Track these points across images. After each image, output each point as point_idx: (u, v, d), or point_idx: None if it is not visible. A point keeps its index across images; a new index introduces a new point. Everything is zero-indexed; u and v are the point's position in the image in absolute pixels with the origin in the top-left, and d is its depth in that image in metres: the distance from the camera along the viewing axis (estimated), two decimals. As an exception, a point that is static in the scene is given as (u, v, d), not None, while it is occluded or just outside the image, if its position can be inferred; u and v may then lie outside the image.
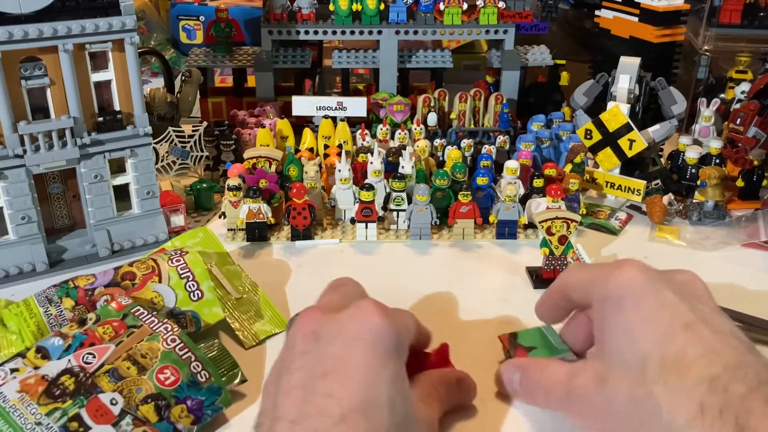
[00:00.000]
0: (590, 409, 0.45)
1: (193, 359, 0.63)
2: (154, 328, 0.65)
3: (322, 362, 0.45)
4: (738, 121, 1.10)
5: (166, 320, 0.66)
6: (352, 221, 0.96)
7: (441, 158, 1.11)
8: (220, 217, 0.97)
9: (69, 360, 0.62)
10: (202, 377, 0.63)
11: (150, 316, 0.66)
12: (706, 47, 1.30)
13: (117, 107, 0.87)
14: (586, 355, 0.59)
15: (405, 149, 1.01)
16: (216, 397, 0.63)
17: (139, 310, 0.67)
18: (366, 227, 0.96)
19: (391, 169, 1.01)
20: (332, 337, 0.47)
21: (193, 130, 1.11)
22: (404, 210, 0.97)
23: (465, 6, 1.20)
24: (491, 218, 0.97)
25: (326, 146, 1.10)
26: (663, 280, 0.46)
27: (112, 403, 0.59)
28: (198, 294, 0.74)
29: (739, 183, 1.07)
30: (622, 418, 0.42)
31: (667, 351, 0.41)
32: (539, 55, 1.30)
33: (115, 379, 0.61)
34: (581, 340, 0.58)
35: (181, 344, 0.64)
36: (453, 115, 1.21)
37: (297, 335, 0.49)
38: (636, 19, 1.21)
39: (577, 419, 0.47)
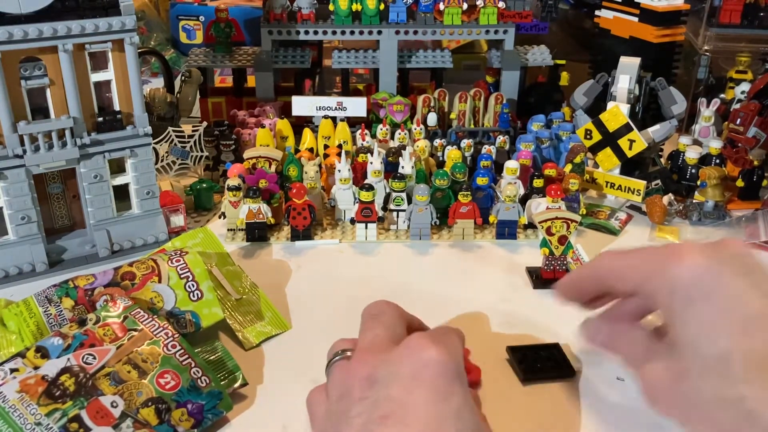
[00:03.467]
0: (668, 401, 0.44)
1: (193, 365, 0.63)
2: (154, 333, 0.65)
3: (381, 406, 0.43)
4: (738, 121, 1.10)
5: (166, 324, 0.66)
6: (352, 221, 0.96)
7: (441, 158, 1.11)
8: (220, 217, 0.97)
9: (69, 359, 0.62)
10: (202, 382, 0.63)
11: (150, 319, 0.66)
12: (706, 47, 1.30)
13: (117, 107, 0.87)
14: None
15: (405, 149, 1.01)
16: (217, 401, 0.63)
17: (139, 312, 0.67)
18: (366, 227, 0.96)
19: (391, 169, 1.01)
20: (389, 380, 0.44)
21: (193, 130, 1.11)
22: (404, 210, 0.97)
23: (465, 6, 1.20)
24: (491, 218, 0.97)
25: (326, 146, 1.10)
26: (726, 263, 0.43)
27: (112, 406, 0.59)
28: (198, 294, 0.74)
29: (739, 183, 1.07)
30: (707, 415, 0.41)
31: (750, 347, 0.40)
32: (539, 55, 1.30)
33: (115, 383, 0.61)
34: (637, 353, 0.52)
35: (182, 350, 0.64)
36: (453, 115, 1.21)
37: (353, 383, 0.46)
38: (636, 19, 1.21)
39: (653, 404, 0.47)
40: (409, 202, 0.96)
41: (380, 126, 1.13)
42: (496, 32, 1.22)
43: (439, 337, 0.47)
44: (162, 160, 1.10)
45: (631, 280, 0.49)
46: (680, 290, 0.43)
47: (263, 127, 1.08)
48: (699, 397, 0.41)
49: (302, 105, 1.15)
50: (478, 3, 1.20)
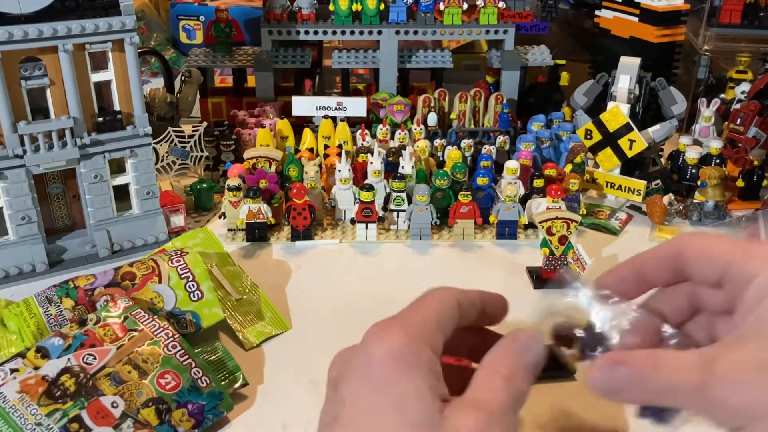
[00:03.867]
0: (747, 398, 0.35)
1: (193, 365, 0.63)
2: (154, 333, 0.65)
3: (331, 411, 0.39)
4: (738, 121, 1.10)
5: (166, 325, 0.66)
6: (352, 221, 0.96)
7: (441, 158, 1.11)
8: (220, 217, 0.97)
9: (69, 359, 0.62)
10: (202, 383, 0.63)
11: (150, 319, 0.66)
12: (706, 47, 1.30)
13: (117, 107, 0.87)
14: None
15: (405, 149, 1.01)
16: (217, 401, 0.63)
17: (139, 312, 0.67)
18: (366, 227, 0.96)
19: (391, 169, 1.01)
20: (344, 380, 0.40)
21: (193, 130, 1.11)
22: (404, 210, 0.97)
23: (465, 6, 1.20)
24: (491, 218, 0.97)
25: (326, 146, 1.10)
26: None
27: (113, 406, 0.59)
28: (198, 294, 0.74)
29: (740, 183, 1.07)
30: None
31: None
32: (539, 55, 1.30)
33: (116, 383, 0.61)
34: (678, 311, 0.44)
35: (182, 350, 0.64)
36: (453, 115, 1.21)
37: (327, 388, 0.42)
38: (636, 19, 1.20)
39: (722, 414, 0.36)
40: (410, 202, 0.96)
41: (380, 126, 1.13)
42: (496, 32, 1.22)
43: (398, 318, 0.41)
44: (162, 160, 1.10)
45: (720, 260, 0.40)
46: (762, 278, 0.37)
47: (263, 127, 1.08)
48: None
49: (302, 105, 1.15)
50: (478, 3, 1.20)
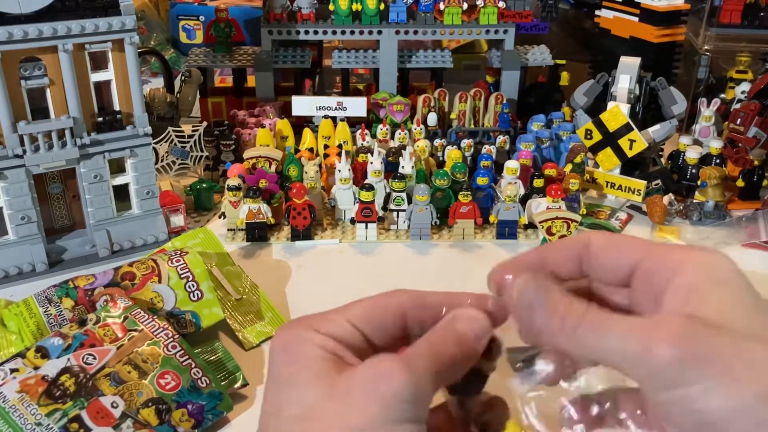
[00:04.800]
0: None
1: (193, 365, 0.63)
2: (154, 333, 0.65)
3: None
4: (738, 121, 1.10)
5: (166, 325, 0.66)
6: (352, 221, 0.96)
7: (441, 158, 1.11)
8: (220, 217, 0.97)
9: (69, 359, 0.62)
10: (202, 383, 0.63)
11: (150, 319, 0.66)
12: (706, 47, 1.30)
13: (117, 107, 0.87)
14: None
15: (405, 149, 1.01)
16: (217, 402, 0.63)
17: (139, 312, 0.67)
18: (366, 227, 0.96)
19: (391, 169, 1.01)
20: None
21: (193, 130, 1.11)
22: (404, 210, 0.97)
23: (465, 6, 1.20)
24: (491, 218, 0.97)
25: (326, 146, 1.10)
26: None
27: (112, 406, 0.59)
28: (198, 294, 0.74)
29: (740, 183, 1.07)
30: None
31: None
32: (539, 55, 1.30)
33: (115, 383, 0.61)
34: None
35: (182, 351, 0.64)
36: (453, 115, 1.21)
37: None
38: (636, 19, 1.20)
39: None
40: (409, 202, 0.96)
41: (380, 126, 1.13)
42: (496, 32, 1.22)
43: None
44: (162, 160, 1.10)
45: (629, 258, 0.38)
46: (701, 273, 0.35)
47: (263, 127, 1.08)
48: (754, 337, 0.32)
49: (302, 105, 1.15)
50: (478, 3, 1.20)
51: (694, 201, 1.03)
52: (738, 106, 1.16)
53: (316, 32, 1.20)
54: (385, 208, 0.97)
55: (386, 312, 0.39)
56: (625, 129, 1.03)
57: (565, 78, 1.30)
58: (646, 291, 0.36)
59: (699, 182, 1.04)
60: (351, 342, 0.37)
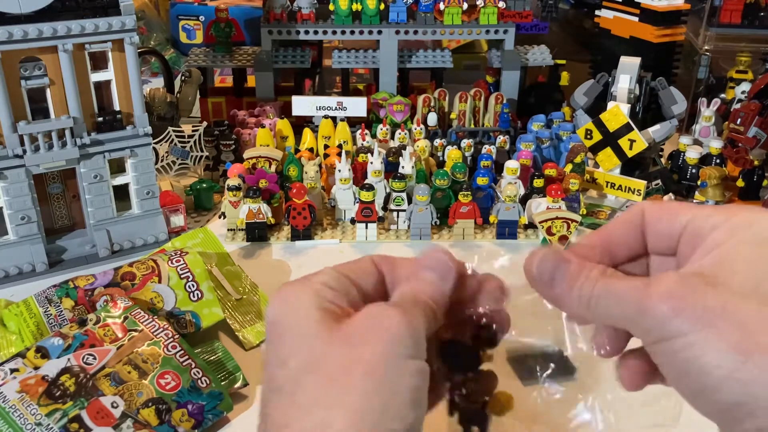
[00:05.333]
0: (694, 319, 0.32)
1: (193, 366, 0.63)
2: (154, 334, 0.65)
3: None
4: (738, 121, 1.10)
5: (166, 325, 0.66)
6: (352, 221, 0.96)
7: (441, 158, 1.11)
8: (220, 217, 0.97)
9: (69, 359, 0.62)
10: (202, 383, 0.63)
11: (150, 319, 0.66)
12: (706, 47, 1.30)
13: (117, 107, 0.87)
14: None
15: (405, 149, 1.01)
16: (217, 401, 0.63)
17: (139, 313, 0.67)
18: (366, 227, 0.96)
19: (391, 169, 1.01)
20: None
21: (193, 130, 1.11)
22: (404, 210, 0.97)
23: (465, 6, 1.20)
24: (491, 218, 0.97)
25: (326, 146, 1.10)
26: None
27: (113, 406, 0.59)
28: (198, 294, 0.74)
29: (740, 183, 1.07)
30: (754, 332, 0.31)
31: None
32: (539, 55, 1.30)
33: (116, 383, 0.61)
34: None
35: (182, 351, 0.64)
36: (453, 115, 1.21)
37: None
38: (636, 19, 1.20)
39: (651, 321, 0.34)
40: (410, 202, 0.96)
41: (380, 126, 1.13)
42: (496, 32, 1.22)
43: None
44: (162, 160, 1.09)
45: (681, 216, 0.37)
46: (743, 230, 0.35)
47: (263, 127, 1.08)
48: (742, 312, 0.32)
49: (302, 105, 1.15)
50: (478, 3, 1.20)
51: (695, 201, 1.03)
52: (738, 106, 1.16)
53: (316, 32, 1.20)
54: (385, 208, 0.97)
55: (367, 266, 0.42)
56: (625, 129, 1.03)
57: (565, 78, 1.30)
58: (688, 253, 0.36)
59: (699, 182, 1.04)
60: (343, 289, 0.39)
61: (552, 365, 0.70)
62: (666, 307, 0.32)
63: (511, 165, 0.98)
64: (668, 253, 0.39)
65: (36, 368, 0.61)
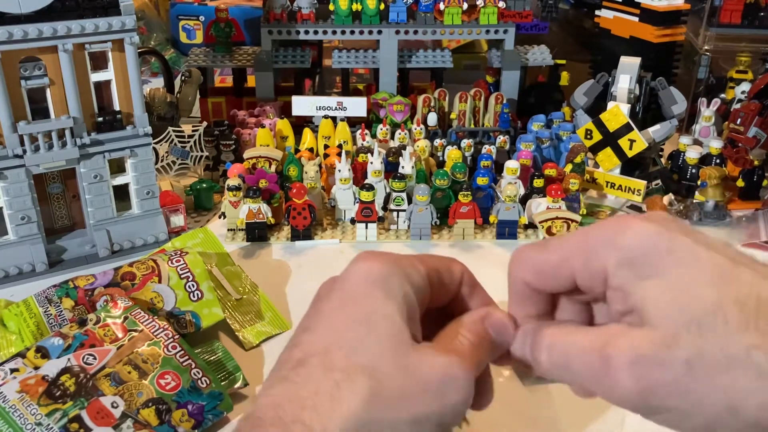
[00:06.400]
0: (657, 377, 0.34)
1: (193, 366, 0.63)
2: (155, 334, 0.65)
3: (305, 321, 0.40)
4: (738, 121, 1.10)
5: (166, 325, 0.66)
6: (352, 221, 0.96)
7: (441, 158, 1.11)
8: (220, 217, 0.97)
9: (69, 359, 0.62)
10: (202, 383, 0.63)
11: (150, 319, 0.66)
12: (706, 47, 1.30)
13: (117, 107, 0.87)
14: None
15: (405, 149, 1.01)
16: (217, 402, 0.63)
17: (139, 313, 0.67)
18: (366, 227, 0.96)
19: (391, 169, 1.01)
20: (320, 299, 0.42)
21: (193, 130, 1.11)
22: (404, 210, 0.97)
23: (465, 6, 1.20)
24: (491, 218, 0.97)
25: (326, 146, 1.10)
26: (670, 225, 0.36)
27: (113, 406, 0.59)
28: (198, 294, 0.74)
29: (740, 183, 1.07)
30: (711, 383, 0.33)
31: (738, 293, 0.34)
32: (539, 55, 1.30)
33: (116, 383, 0.61)
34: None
35: (182, 351, 0.64)
36: (453, 115, 1.21)
37: None
38: (636, 19, 1.20)
39: (635, 384, 0.35)
40: (410, 202, 0.96)
41: (380, 126, 1.13)
42: (496, 32, 1.22)
43: (388, 252, 0.41)
44: (162, 160, 1.10)
45: (566, 271, 0.38)
46: (638, 257, 0.36)
47: (263, 127, 1.08)
48: (701, 362, 0.33)
49: (302, 105, 1.15)
50: (478, 3, 1.20)
51: (694, 201, 1.03)
52: (738, 106, 1.16)
53: (316, 32, 1.20)
54: (385, 208, 0.97)
55: (453, 276, 0.42)
56: (625, 129, 1.03)
57: (565, 78, 1.30)
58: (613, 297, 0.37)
59: (699, 182, 1.04)
60: (422, 295, 0.40)
61: None
62: (632, 385, 0.34)
63: (511, 165, 0.98)
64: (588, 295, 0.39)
65: (36, 368, 0.61)
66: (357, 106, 1.14)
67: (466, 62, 1.52)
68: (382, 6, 1.19)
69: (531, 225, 0.97)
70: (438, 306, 0.43)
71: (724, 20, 1.29)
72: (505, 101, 1.19)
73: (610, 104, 1.06)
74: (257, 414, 0.36)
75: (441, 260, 0.42)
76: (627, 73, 1.07)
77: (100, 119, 0.85)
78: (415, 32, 1.20)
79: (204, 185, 1.05)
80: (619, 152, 1.05)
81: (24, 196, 0.83)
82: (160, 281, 0.73)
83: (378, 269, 0.39)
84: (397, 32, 1.20)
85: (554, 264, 0.38)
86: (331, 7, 1.19)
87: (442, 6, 1.20)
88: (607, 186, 1.08)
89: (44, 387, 0.59)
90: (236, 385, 0.67)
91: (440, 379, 0.37)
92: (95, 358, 0.62)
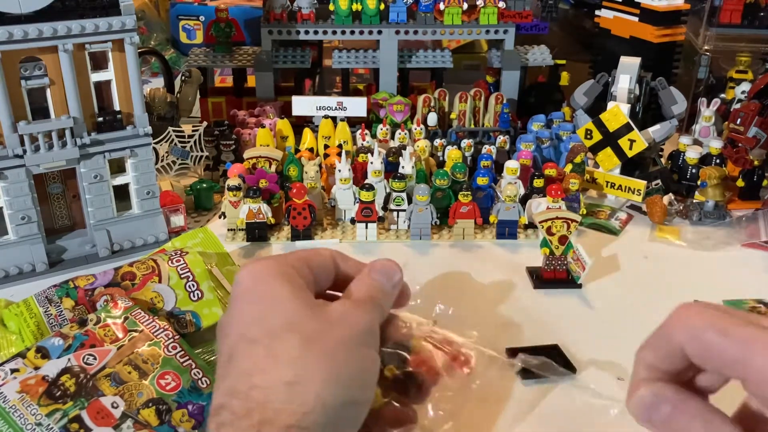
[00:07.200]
0: None
1: (193, 366, 0.63)
2: (155, 334, 0.65)
3: None
4: (738, 121, 1.10)
5: (166, 326, 0.66)
6: (352, 221, 0.96)
7: (441, 158, 1.11)
8: (220, 217, 0.97)
9: (69, 359, 0.62)
10: (203, 383, 0.63)
11: (150, 320, 0.66)
12: (706, 47, 1.30)
13: (117, 107, 0.87)
14: None
15: (405, 149, 1.01)
16: (217, 399, 0.63)
17: (139, 313, 0.67)
18: (366, 227, 0.96)
19: (391, 169, 1.01)
20: None
21: (193, 130, 1.11)
22: (404, 210, 0.97)
23: (465, 6, 1.20)
24: (491, 218, 0.97)
25: (326, 146, 1.10)
26: None
27: (113, 407, 0.59)
28: (198, 294, 0.74)
29: (740, 183, 1.07)
30: None
31: None
32: (539, 55, 1.30)
33: (116, 383, 0.61)
34: None
35: (182, 351, 0.64)
36: (453, 115, 1.21)
37: None
38: (636, 19, 1.20)
39: None
40: (410, 202, 0.96)
41: (380, 126, 1.13)
42: (496, 32, 1.22)
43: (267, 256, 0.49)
44: (162, 160, 1.10)
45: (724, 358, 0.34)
46: None
47: (263, 127, 1.08)
48: None
49: (302, 105, 1.15)
50: (478, 3, 1.20)
51: (694, 201, 1.03)
52: (738, 106, 1.16)
53: (316, 32, 1.20)
54: (385, 208, 0.97)
55: (326, 261, 0.50)
56: (625, 129, 1.03)
57: (565, 78, 1.30)
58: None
59: (699, 182, 1.04)
60: (303, 274, 0.46)
61: (552, 365, 0.70)
62: None
63: (511, 165, 0.98)
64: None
65: (36, 368, 0.61)
66: (357, 106, 1.14)
67: (466, 62, 1.52)
68: (382, 6, 1.19)
69: (531, 225, 0.97)
70: (329, 290, 0.50)
71: (724, 20, 1.29)
72: (505, 101, 1.19)
73: (610, 104, 1.06)
74: (216, 409, 0.41)
75: (307, 251, 0.50)
76: (627, 73, 1.07)
77: (100, 119, 0.85)
78: (415, 32, 1.20)
79: (204, 185, 1.05)
80: (619, 152, 1.05)
81: (24, 196, 0.83)
82: (160, 281, 0.73)
83: (259, 268, 0.46)
84: (397, 32, 1.20)
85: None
86: (331, 7, 1.19)
87: (442, 6, 1.20)
88: (607, 186, 1.08)
89: (44, 387, 0.59)
90: (236, 385, 0.67)
91: (343, 311, 0.44)
92: (95, 359, 0.62)
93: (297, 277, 0.45)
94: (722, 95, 1.26)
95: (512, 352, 0.71)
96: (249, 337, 0.42)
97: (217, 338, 0.45)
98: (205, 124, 1.13)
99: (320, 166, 1.02)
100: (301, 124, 1.15)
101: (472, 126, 1.21)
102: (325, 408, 0.39)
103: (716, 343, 0.32)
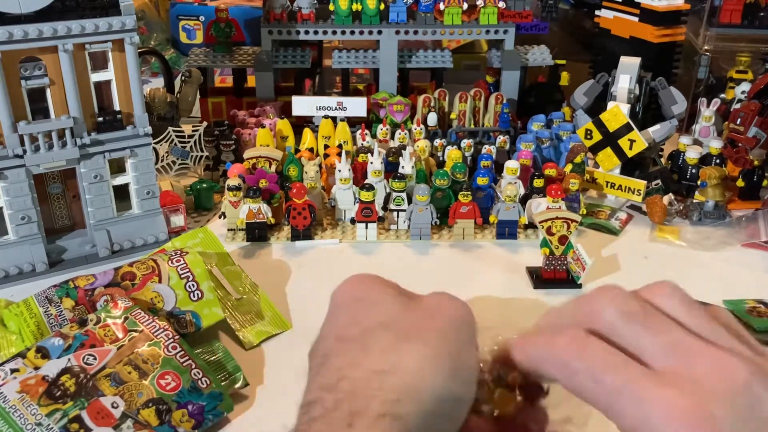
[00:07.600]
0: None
1: (193, 366, 0.63)
2: (155, 334, 0.65)
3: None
4: (738, 121, 1.10)
5: (166, 326, 0.66)
6: (352, 221, 0.96)
7: (441, 158, 1.11)
8: (220, 217, 0.97)
9: (69, 359, 0.62)
10: (203, 383, 0.63)
11: (150, 320, 0.66)
12: (706, 47, 1.30)
13: (117, 107, 0.87)
14: None
15: (405, 149, 1.01)
16: (217, 402, 0.63)
17: (139, 313, 0.67)
18: (366, 227, 0.96)
19: (391, 169, 1.01)
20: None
21: (193, 130, 1.11)
22: (404, 210, 0.97)
23: (465, 6, 1.20)
24: (491, 218, 0.97)
25: (326, 146, 1.10)
26: None
27: (113, 407, 0.59)
28: (198, 294, 0.74)
29: (740, 183, 1.07)
30: None
31: None
32: (539, 55, 1.30)
33: (116, 384, 0.61)
34: None
35: (182, 351, 0.64)
36: (453, 115, 1.21)
37: None
38: (636, 19, 1.20)
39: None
40: (410, 202, 0.96)
41: (380, 126, 1.13)
42: (496, 32, 1.22)
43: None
44: (162, 160, 1.10)
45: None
46: None
47: (263, 127, 1.08)
48: None
49: (302, 105, 1.15)
50: (478, 3, 1.20)
51: (694, 201, 1.03)
52: (738, 106, 1.16)
53: (316, 32, 1.20)
54: (385, 208, 0.97)
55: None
56: (625, 129, 1.03)
57: (565, 78, 1.30)
58: None
59: (699, 182, 1.04)
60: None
61: None
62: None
63: (511, 165, 0.98)
64: None
65: (36, 368, 0.61)
66: (357, 106, 1.14)
67: (466, 62, 1.52)
68: (382, 6, 1.19)
69: (531, 225, 0.97)
70: None
71: (724, 20, 1.29)
72: (505, 101, 1.19)
73: (610, 104, 1.06)
74: (306, 406, 0.38)
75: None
76: (627, 73, 1.07)
77: (100, 119, 0.85)
78: (415, 32, 1.20)
79: (204, 185, 1.05)
80: (619, 152, 1.05)
81: (24, 196, 0.83)
82: (160, 281, 0.73)
83: (360, 275, 0.47)
84: (397, 32, 1.20)
85: None
86: (331, 7, 1.19)
87: (442, 6, 1.20)
88: (607, 186, 1.08)
89: (44, 387, 0.59)
90: (236, 386, 0.67)
91: (441, 301, 0.42)
92: (95, 359, 0.62)
93: (393, 283, 0.46)
94: (722, 95, 1.26)
95: None
96: (344, 336, 0.41)
97: (314, 342, 0.44)
98: (205, 124, 1.13)
99: (320, 166, 1.02)
100: (301, 124, 1.14)
101: (472, 126, 1.21)
102: (419, 396, 0.37)
103: (589, 389, 0.34)
